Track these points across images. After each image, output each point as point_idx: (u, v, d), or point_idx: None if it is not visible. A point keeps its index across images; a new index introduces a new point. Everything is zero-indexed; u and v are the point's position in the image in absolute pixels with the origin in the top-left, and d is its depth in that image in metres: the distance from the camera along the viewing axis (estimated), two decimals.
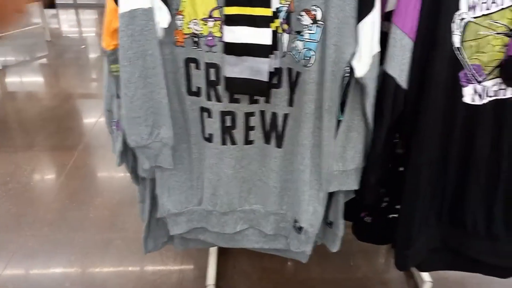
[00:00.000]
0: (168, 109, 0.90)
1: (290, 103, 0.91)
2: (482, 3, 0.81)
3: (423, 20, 0.83)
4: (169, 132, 0.92)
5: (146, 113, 0.88)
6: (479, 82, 0.88)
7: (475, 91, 0.89)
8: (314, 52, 0.83)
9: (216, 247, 1.48)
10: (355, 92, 0.86)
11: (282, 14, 0.82)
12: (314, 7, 0.80)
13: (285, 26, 0.83)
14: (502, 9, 0.81)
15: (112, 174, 2.02)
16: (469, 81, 0.88)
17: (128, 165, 1.08)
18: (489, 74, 0.87)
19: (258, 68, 0.82)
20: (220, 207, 1.01)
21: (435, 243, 1.07)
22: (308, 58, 0.84)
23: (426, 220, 1.02)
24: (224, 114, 0.91)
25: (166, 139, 0.92)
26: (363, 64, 0.80)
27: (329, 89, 0.85)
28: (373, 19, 0.78)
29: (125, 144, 0.97)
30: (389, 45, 0.85)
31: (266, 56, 0.81)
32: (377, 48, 0.83)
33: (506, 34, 0.83)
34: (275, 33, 0.82)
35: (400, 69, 0.86)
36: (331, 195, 1.04)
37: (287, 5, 0.81)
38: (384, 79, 0.87)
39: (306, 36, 0.82)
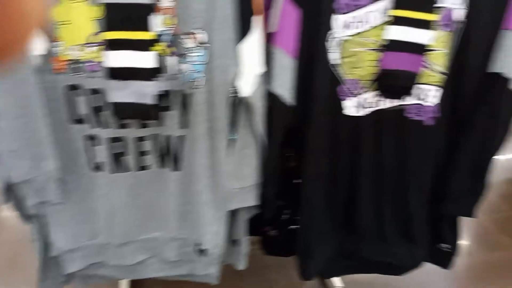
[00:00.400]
0: (51, 140, 0.84)
1: (184, 125, 0.90)
2: (356, 22, 0.87)
3: (302, 39, 0.88)
4: (54, 164, 0.86)
5: (24, 145, 0.81)
6: (358, 95, 0.94)
7: (355, 104, 0.95)
8: (201, 74, 0.83)
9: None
10: (245, 110, 0.88)
11: (167, 37, 0.81)
12: (198, 30, 0.80)
13: (172, 49, 0.82)
14: (372, 27, 0.88)
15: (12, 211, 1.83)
16: (348, 95, 0.94)
17: (14, 202, 0.99)
18: (367, 87, 0.94)
19: (143, 92, 0.80)
20: (116, 238, 0.96)
21: (335, 250, 1.12)
22: (195, 80, 0.84)
23: (324, 229, 1.06)
24: (112, 140, 0.87)
25: (51, 171, 0.86)
26: (247, 84, 0.82)
27: (219, 109, 0.86)
28: (253, 41, 0.81)
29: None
30: (271, 64, 0.88)
31: (150, 79, 0.79)
32: (261, 68, 0.85)
33: (378, 50, 0.90)
34: (159, 56, 0.80)
35: (285, 87, 0.90)
36: (233, 213, 1.04)
37: (172, 28, 0.81)
38: (271, 98, 0.90)
39: (194, 58, 0.82)
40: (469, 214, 1.04)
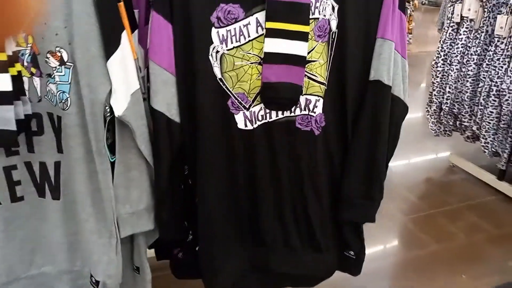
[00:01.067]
0: None
1: (59, 149, 0.84)
2: (232, 36, 0.87)
3: (180, 54, 0.86)
4: None
5: None
6: (247, 109, 0.93)
7: (246, 117, 0.94)
8: (68, 94, 0.78)
9: None
10: (123, 130, 0.84)
11: (26, 57, 0.76)
12: (58, 49, 0.75)
13: (33, 70, 0.77)
14: (250, 40, 0.88)
15: None
16: (238, 109, 0.93)
17: None
18: (254, 100, 0.93)
19: (3, 117, 0.74)
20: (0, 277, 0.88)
21: (244, 265, 1.09)
22: (64, 101, 0.79)
23: (228, 244, 1.04)
24: None
25: None
26: (120, 103, 0.78)
27: (93, 131, 0.81)
28: (122, 56, 0.77)
29: None
30: (150, 81, 0.85)
31: (10, 103, 0.74)
32: (135, 85, 0.82)
33: (259, 63, 0.90)
34: (17, 77, 0.75)
35: (167, 104, 0.87)
36: (131, 239, 0.99)
37: (29, 48, 0.75)
38: (154, 115, 0.87)
39: (57, 78, 0.77)
40: (366, 219, 1.06)
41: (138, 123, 0.83)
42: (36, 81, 0.78)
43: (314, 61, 0.91)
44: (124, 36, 0.78)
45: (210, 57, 0.87)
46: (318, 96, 0.94)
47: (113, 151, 0.84)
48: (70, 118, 0.80)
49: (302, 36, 0.85)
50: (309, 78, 0.92)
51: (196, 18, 0.84)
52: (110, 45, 0.76)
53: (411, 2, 5.33)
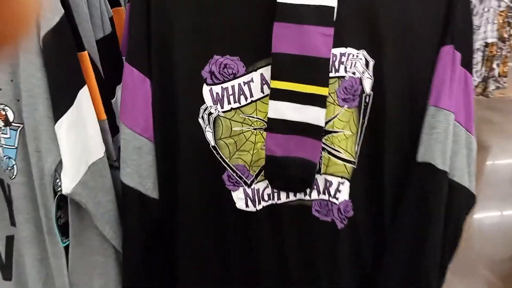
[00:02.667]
0: None
1: (12, 222, 0.69)
2: (229, 95, 0.67)
3: (161, 114, 0.68)
4: None
5: None
6: (249, 185, 0.72)
7: (247, 196, 0.73)
8: (14, 161, 0.63)
9: None
10: (80, 208, 0.66)
11: None
12: (2, 107, 0.61)
13: None
14: (253, 101, 0.68)
15: None
16: (236, 184, 0.72)
17: None
18: (258, 175, 0.72)
19: None
20: None
21: None
22: (10, 168, 0.64)
23: None
24: None
25: None
26: (69, 177, 0.61)
27: (43, 206, 0.65)
28: (75, 117, 0.61)
29: None
30: (121, 148, 0.67)
31: None
32: (97, 153, 0.65)
33: (265, 129, 0.69)
34: None
35: (139, 176, 0.69)
36: None
37: None
38: (123, 190, 0.69)
39: (2, 141, 0.63)
40: None
41: (98, 199, 0.66)
42: None
43: (336, 131, 0.68)
44: (84, 93, 0.62)
45: (200, 119, 0.68)
46: (342, 177, 0.70)
47: (67, 233, 0.67)
48: (17, 188, 0.65)
49: (317, 100, 0.63)
50: (329, 153, 0.69)
51: (183, 71, 0.66)
52: (58, 105, 0.60)
53: (506, 42, 4.80)
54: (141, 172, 0.68)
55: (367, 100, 0.67)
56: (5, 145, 0.63)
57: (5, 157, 0.63)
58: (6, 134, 0.62)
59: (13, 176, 0.64)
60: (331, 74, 0.65)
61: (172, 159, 0.70)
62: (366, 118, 0.68)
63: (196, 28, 0.64)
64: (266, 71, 0.65)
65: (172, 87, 0.66)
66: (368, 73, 0.66)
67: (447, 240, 0.74)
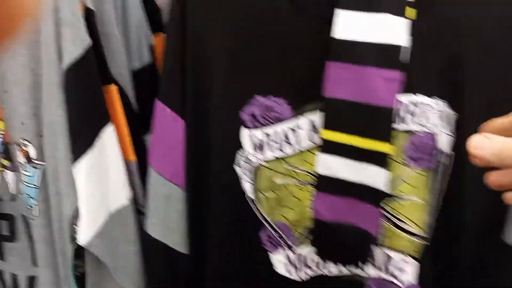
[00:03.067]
0: None
1: (34, 262, 0.65)
2: (272, 141, 0.57)
3: (193, 160, 0.59)
4: None
5: None
6: (291, 248, 0.60)
7: (289, 261, 0.61)
8: (36, 201, 0.58)
9: None
10: (98, 259, 0.59)
11: None
12: (24, 141, 0.56)
13: (5, 162, 0.60)
14: (301, 151, 0.56)
15: None
16: (276, 245, 0.61)
17: None
18: (303, 237, 0.60)
19: None
20: None
21: None
22: (30, 208, 0.59)
23: None
24: None
25: None
26: (86, 226, 0.55)
27: (61, 253, 0.59)
28: (97, 159, 0.54)
29: None
30: (148, 195, 0.60)
31: None
32: (121, 200, 0.58)
33: (313, 184, 0.57)
34: None
35: (167, 227, 0.60)
36: None
37: (1, 135, 0.58)
38: (148, 242, 0.61)
39: (24, 178, 0.59)
40: None
41: (120, 251, 0.58)
42: (9, 175, 0.60)
43: (402, 197, 0.54)
44: (108, 132, 0.55)
45: (237, 167, 0.58)
46: (407, 254, 0.55)
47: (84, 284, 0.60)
48: (38, 230, 0.60)
49: (377, 158, 0.50)
50: (392, 223, 0.55)
51: (219, 112, 0.57)
52: (77, 145, 0.53)
53: None
54: (168, 223, 0.60)
55: (446, 162, 0.53)
56: (26, 182, 0.58)
57: (26, 195, 0.59)
58: (27, 171, 0.58)
59: (33, 218, 0.59)
60: (397, 127, 0.51)
61: (203, 210, 0.61)
62: (443, 182, 0.53)
63: (236, 63, 0.54)
64: (316, 116, 0.54)
65: (207, 130, 0.57)
66: (448, 128, 0.52)
67: None
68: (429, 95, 0.50)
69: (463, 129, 0.51)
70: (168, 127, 0.57)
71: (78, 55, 0.51)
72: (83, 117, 0.53)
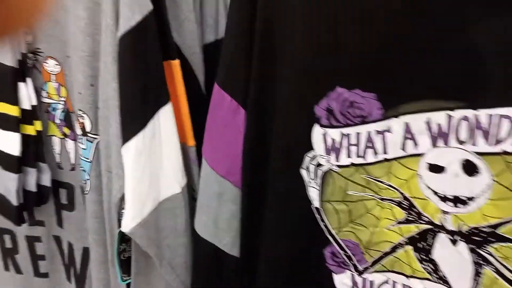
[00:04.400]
0: None
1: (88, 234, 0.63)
2: (351, 144, 0.46)
3: (253, 157, 0.51)
4: None
5: None
6: (359, 272, 0.51)
7: (355, 285, 0.51)
8: (89, 176, 0.55)
9: None
10: (141, 249, 0.54)
11: (58, 114, 0.56)
12: (81, 112, 0.53)
13: (66, 130, 0.57)
14: (387, 160, 0.45)
15: None
16: (342, 266, 0.51)
17: None
18: (375, 262, 0.50)
19: (5, 186, 0.56)
20: None
21: None
22: (84, 182, 0.56)
23: None
24: (1, 232, 0.66)
25: None
26: (131, 213, 0.50)
27: (110, 233, 0.56)
28: (145, 142, 0.48)
29: None
30: (199, 190, 0.53)
31: (14, 171, 0.55)
32: (173, 188, 0.52)
33: (399, 204, 0.46)
34: (36, 139, 0.56)
35: (217, 228, 0.53)
36: None
37: (63, 102, 0.56)
38: (196, 241, 0.55)
39: (80, 151, 0.55)
40: None
41: (167, 242, 0.53)
42: (70, 144, 0.58)
43: None
44: (165, 112, 0.49)
45: (304, 170, 0.49)
46: None
47: (125, 269, 0.56)
48: (89, 206, 0.57)
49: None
50: (496, 272, 0.42)
51: (289, 104, 0.47)
52: (128, 125, 0.48)
53: None
54: (219, 223, 0.53)
55: None
56: (82, 156, 0.55)
57: (81, 168, 0.56)
58: (83, 144, 0.54)
59: (86, 192, 0.56)
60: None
61: (260, 214, 0.53)
62: None
63: (315, 46, 0.44)
64: (415, 120, 0.42)
65: (272, 123, 0.48)
66: None
67: None
68: None
69: None
70: (227, 117, 0.49)
71: (135, 22, 0.44)
72: (137, 94, 0.47)
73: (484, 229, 0.41)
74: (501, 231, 0.41)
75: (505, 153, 0.39)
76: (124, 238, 0.54)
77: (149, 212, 0.50)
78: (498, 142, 0.39)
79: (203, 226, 0.53)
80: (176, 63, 0.49)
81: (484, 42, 0.39)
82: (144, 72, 0.47)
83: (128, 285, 0.58)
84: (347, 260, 0.51)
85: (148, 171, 0.49)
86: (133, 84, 0.47)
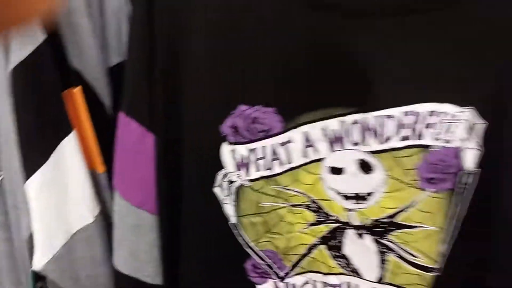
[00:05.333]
0: None
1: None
2: (258, 159, 0.48)
3: (165, 182, 0.51)
4: None
5: None
6: (281, 278, 0.53)
7: None
8: None
9: None
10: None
11: None
12: None
13: None
14: (292, 168, 0.48)
15: None
16: (264, 276, 0.53)
17: None
18: (295, 266, 0.52)
19: None
20: None
21: None
22: None
23: None
24: None
25: None
26: (41, 249, 0.47)
27: (24, 272, 0.53)
28: (49, 175, 0.46)
29: None
30: (114, 224, 0.51)
31: None
32: (85, 219, 0.49)
33: (308, 207, 0.49)
34: None
35: (137, 260, 0.52)
36: None
37: None
38: (116, 278, 0.53)
39: None
40: None
41: (86, 273, 0.51)
42: None
43: (414, 226, 0.45)
44: (68, 143, 0.47)
45: (217, 189, 0.50)
46: None
47: None
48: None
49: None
50: (398, 256, 0.47)
51: (195, 126, 0.48)
52: (29, 159, 0.46)
53: None
54: (139, 256, 0.52)
55: (468, 181, 0.44)
56: None
57: None
58: None
59: None
60: (409, 143, 0.43)
61: (179, 238, 0.52)
62: (467, 207, 0.45)
63: (216, 64, 0.46)
64: (313, 129, 0.46)
65: (181, 146, 0.49)
66: (475, 142, 0.43)
67: None
68: (457, 103, 0.42)
69: (497, 141, 0.42)
70: (135, 144, 0.49)
71: (27, 53, 0.42)
72: (34, 127, 0.45)
73: (384, 220, 0.46)
74: (398, 219, 0.46)
75: (393, 149, 0.44)
76: (40, 275, 0.51)
77: (61, 246, 0.48)
78: (386, 140, 0.44)
79: (122, 261, 0.52)
80: (77, 90, 0.47)
81: (366, 51, 0.44)
82: (40, 104, 0.44)
83: None
84: (268, 269, 0.52)
85: (55, 204, 0.47)
86: (29, 118, 0.44)
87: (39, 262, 0.47)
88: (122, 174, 0.50)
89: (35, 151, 0.45)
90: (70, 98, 0.49)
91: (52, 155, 0.46)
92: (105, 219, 0.55)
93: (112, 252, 0.52)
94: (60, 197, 0.47)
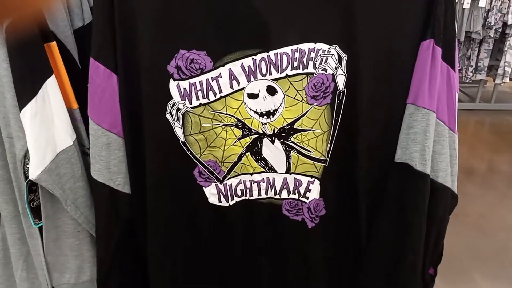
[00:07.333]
0: None
1: None
2: (197, 90, 0.66)
3: (128, 110, 0.67)
4: None
5: None
6: (221, 181, 0.72)
7: (220, 191, 0.72)
8: None
9: None
10: (51, 193, 0.68)
11: None
12: None
13: None
14: (222, 97, 0.66)
15: None
16: (208, 180, 0.72)
17: None
18: (230, 171, 0.71)
19: None
20: None
21: None
22: None
23: None
24: None
25: None
26: (35, 163, 0.63)
27: (18, 189, 0.68)
28: (39, 106, 0.62)
29: None
30: (91, 143, 0.68)
31: None
32: (65, 142, 0.66)
33: (236, 125, 0.68)
34: None
35: (109, 172, 0.69)
36: None
37: None
38: (94, 185, 0.70)
39: None
40: None
41: (69, 186, 0.67)
42: None
43: (305, 130, 0.65)
44: (51, 83, 0.63)
45: (168, 115, 0.67)
46: (312, 176, 0.68)
47: (40, 215, 0.69)
48: None
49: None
50: (298, 152, 0.67)
51: (148, 67, 0.65)
52: (21, 95, 0.61)
53: None
54: (111, 168, 0.69)
55: (340, 97, 0.64)
56: None
57: None
58: None
59: None
60: (298, 71, 0.62)
61: (142, 154, 0.70)
62: (340, 115, 0.65)
63: (161, 20, 0.62)
64: (234, 66, 0.64)
65: (138, 83, 0.66)
66: (342, 69, 0.63)
67: (430, 245, 0.71)
68: (327, 43, 0.61)
69: (355, 69, 0.62)
70: (103, 83, 0.65)
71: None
72: (25, 71, 0.60)
73: (286, 127, 0.66)
74: (295, 126, 0.65)
75: (288, 76, 0.63)
76: (31, 189, 0.67)
77: (50, 161, 0.64)
78: (283, 70, 0.63)
79: (98, 172, 0.69)
80: (53, 44, 0.63)
81: (266, 9, 0.61)
82: (29, 53, 0.60)
83: (41, 228, 0.70)
84: (211, 175, 0.71)
85: (44, 128, 0.63)
86: (21, 63, 0.59)
87: (34, 173, 0.63)
88: (95, 106, 0.66)
89: (27, 87, 0.61)
90: (50, 50, 0.64)
91: (40, 90, 0.62)
92: (81, 147, 0.71)
93: (89, 170, 0.69)
94: (47, 123, 0.63)
